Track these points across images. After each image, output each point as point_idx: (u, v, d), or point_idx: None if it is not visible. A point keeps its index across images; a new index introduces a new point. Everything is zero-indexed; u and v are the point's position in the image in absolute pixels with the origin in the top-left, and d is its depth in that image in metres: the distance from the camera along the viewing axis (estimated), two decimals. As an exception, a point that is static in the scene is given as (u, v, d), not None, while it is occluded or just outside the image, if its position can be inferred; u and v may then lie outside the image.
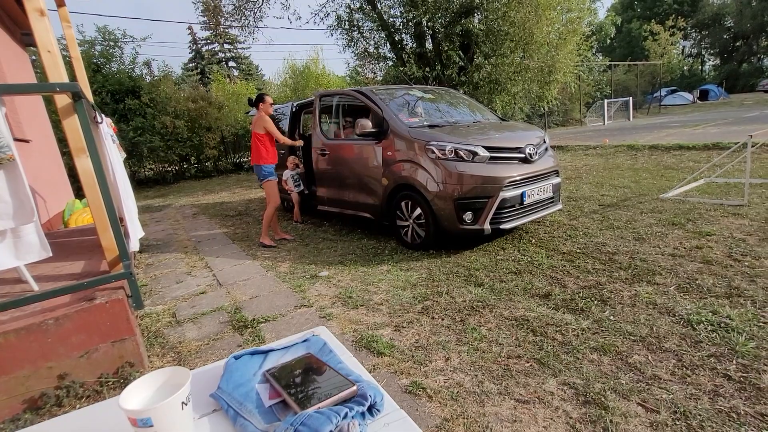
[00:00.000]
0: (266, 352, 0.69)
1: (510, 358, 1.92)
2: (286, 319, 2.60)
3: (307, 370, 0.62)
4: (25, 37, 6.21)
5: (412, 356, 2.00)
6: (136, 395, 0.52)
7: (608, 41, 34.49)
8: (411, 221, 3.69)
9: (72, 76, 3.17)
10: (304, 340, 0.73)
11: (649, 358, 1.84)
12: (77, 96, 1.92)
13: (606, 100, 17.08)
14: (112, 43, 11.92)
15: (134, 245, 2.76)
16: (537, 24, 8.78)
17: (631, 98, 17.84)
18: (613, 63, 20.75)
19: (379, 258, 3.58)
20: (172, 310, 2.91)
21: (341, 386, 0.55)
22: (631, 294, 2.45)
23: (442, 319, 2.36)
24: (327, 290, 2.99)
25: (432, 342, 2.12)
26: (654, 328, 2.06)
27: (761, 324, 2.00)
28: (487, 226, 3.32)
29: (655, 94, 22.81)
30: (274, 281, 3.28)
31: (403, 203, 3.74)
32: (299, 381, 0.59)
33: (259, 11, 11.16)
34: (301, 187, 5.40)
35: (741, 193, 4.15)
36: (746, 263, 2.69)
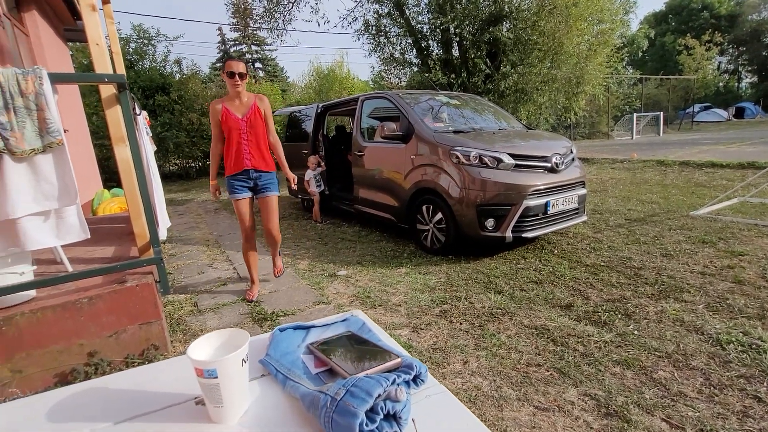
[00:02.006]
0: (308, 328, 0.72)
1: (529, 365, 1.90)
2: (305, 315, 2.63)
3: (350, 344, 0.65)
4: (66, 33, 6.54)
5: (430, 357, 1.99)
6: (202, 350, 0.56)
7: (640, 54, 33.69)
8: (431, 225, 3.68)
9: (113, 69, 3.32)
10: (344, 320, 0.76)
11: (675, 374, 1.78)
12: (122, 87, 2.02)
13: (635, 114, 16.65)
14: (145, 41, 12.40)
15: (163, 234, 2.85)
16: (567, 34, 8.68)
17: (661, 113, 17.35)
18: (644, 76, 20.25)
19: (397, 260, 3.59)
20: (194, 299, 2.99)
21: (386, 357, 0.58)
22: (658, 310, 2.38)
23: (461, 324, 2.35)
24: (345, 289, 3.01)
25: (450, 345, 2.11)
26: (681, 345, 2.00)
27: (797, 348, 1.91)
28: (508, 234, 3.29)
29: (687, 110, 22.12)
30: (293, 278, 3.33)
31: (424, 207, 3.74)
32: (344, 353, 0.62)
33: (289, 14, 11.43)
34: (322, 187, 5.48)
35: (778, 214, 3.98)
36: (782, 285, 2.58)
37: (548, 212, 3.39)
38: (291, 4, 11.25)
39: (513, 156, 3.36)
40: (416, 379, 0.56)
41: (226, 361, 0.51)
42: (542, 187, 3.34)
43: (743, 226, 3.86)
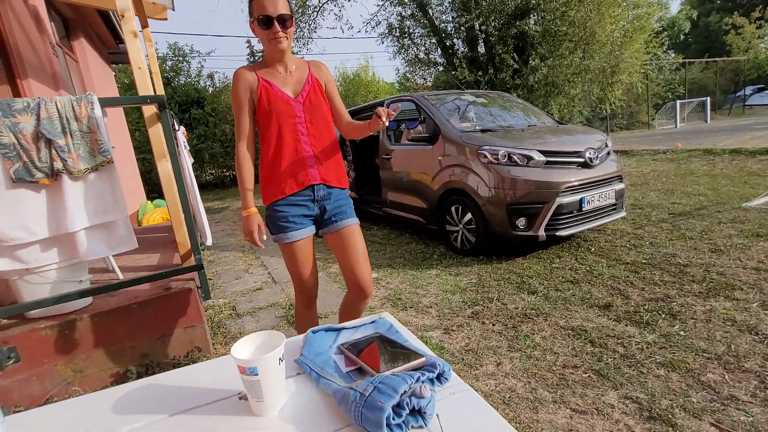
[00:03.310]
0: (339, 330, 0.76)
1: (566, 367, 1.85)
2: (337, 317, 2.68)
3: (378, 344, 0.69)
4: (110, 56, 7.04)
5: (462, 359, 1.99)
6: (243, 350, 0.62)
7: (682, 37, 31.73)
8: (461, 226, 3.66)
9: (153, 89, 3.55)
10: (372, 322, 0.79)
11: (726, 377, 1.68)
12: (162, 106, 2.16)
13: (678, 101, 15.69)
14: (180, 58, 13.09)
15: (209, 240, 2.99)
16: (599, 23, 8.34)
17: (708, 98, 16.23)
18: (687, 60, 19.05)
19: (427, 262, 3.59)
20: (232, 304, 3.13)
21: (411, 357, 0.62)
22: (706, 309, 2.25)
23: (493, 325, 2.32)
24: (376, 291, 3.05)
25: (482, 346, 2.09)
26: (732, 347, 1.88)
27: None
28: (541, 233, 3.21)
29: (738, 93, 20.56)
30: (325, 281, 3.41)
31: (453, 208, 3.72)
32: (372, 353, 0.66)
33: (313, 23, 11.68)
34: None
35: None
36: None
37: (583, 209, 3.27)
38: (315, 13, 11.50)
39: (543, 152, 3.28)
40: (440, 377, 0.59)
41: (265, 360, 0.56)
42: (576, 183, 3.24)
43: (804, 216, 3.56)
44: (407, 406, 0.51)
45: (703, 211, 4.13)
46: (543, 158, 3.26)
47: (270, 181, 1.56)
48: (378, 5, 10.96)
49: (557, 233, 3.21)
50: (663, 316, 2.22)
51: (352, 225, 1.67)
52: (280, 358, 0.58)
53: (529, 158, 3.25)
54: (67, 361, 1.92)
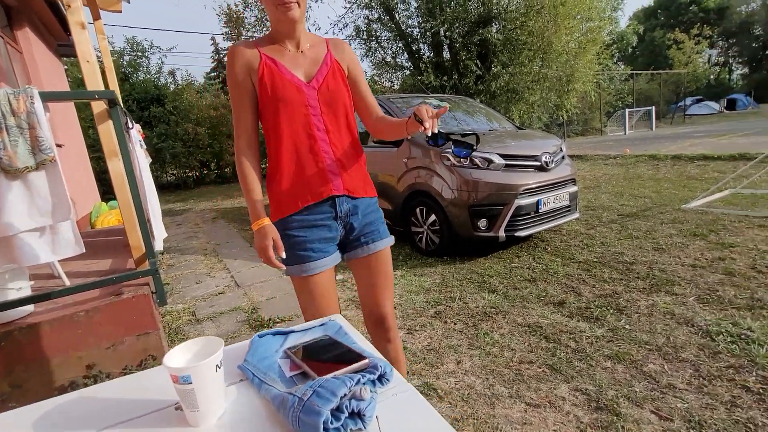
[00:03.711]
0: (287, 333, 0.75)
1: (522, 363, 1.93)
2: (301, 320, 2.65)
3: (324, 347, 0.68)
4: (60, 48, 6.59)
5: (424, 358, 2.02)
6: (178, 358, 0.60)
7: (630, 50, 33.94)
8: (425, 227, 3.72)
9: (105, 84, 3.36)
10: (322, 324, 0.79)
11: (665, 367, 1.82)
12: (113, 103, 2.05)
13: (627, 110, 16.77)
14: (139, 53, 12.50)
15: (159, 245, 2.88)
16: (556, 33, 8.76)
17: (653, 108, 17.47)
18: (635, 72, 20.40)
19: (393, 264, 3.61)
20: (192, 309, 3.02)
21: (355, 359, 0.61)
22: (649, 304, 2.42)
23: (455, 324, 2.38)
24: (341, 293, 3.04)
25: (444, 345, 2.14)
26: (671, 338, 2.03)
27: (784, 337, 1.95)
28: (501, 234, 3.32)
29: (679, 104, 22.27)
30: (290, 283, 3.35)
31: (418, 209, 3.78)
32: (317, 356, 0.65)
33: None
34: None
35: (767, 205, 4.03)
36: (770, 275, 2.62)
37: (540, 210, 3.43)
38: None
39: (503, 156, 3.40)
40: (381, 379, 0.59)
41: (200, 368, 0.54)
42: (533, 185, 3.38)
43: (734, 217, 3.91)
44: (346, 409, 0.51)
45: (648, 212, 4.43)
46: (503, 161, 3.38)
47: (277, 193, 1.19)
48: (345, 7, 10.98)
49: (516, 234, 3.34)
50: (611, 311, 2.37)
51: (386, 248, 1.31)
52: (217, 365, 0.56)
53: (490, 161, 3.36)
54: (3, 375, 1.78)
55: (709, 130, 13.52)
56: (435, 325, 2.38)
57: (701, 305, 2.34)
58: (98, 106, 2.08)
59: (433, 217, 3.62)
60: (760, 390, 1.61)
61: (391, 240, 1.33)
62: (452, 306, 2.62)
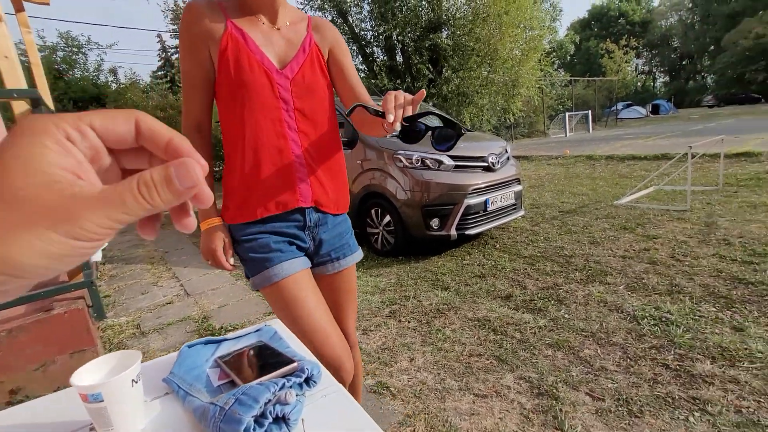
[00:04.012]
0: (219, 342, 0.73)
1: (471, 356, 2.02)
2: (255, 327, 2.59)
3: (255, 354, 0.66)
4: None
5: (378, 358, 2.05)
6: (89, 375, 0.56)
7: (568, 58, 36.37)
8: (381, 228, 3.77)
9: (31, 82, 3.07)
10: (257, 330, 0.78)
11: (598, 351, 1.98)
12: (36, 103, 1.89)
13: (567, 113, 17.99)
14: (75, 49, 11.53)
15: (97, 255, 2.68)
16: (501, 40, 9.22)
17: (590, 112, 18.87)
18: (573, 78, 21.89)
19: (349, 265, 3.63)
20: (136, 321, 2.84)
21: (283, 363, 0.61)
22: (585, 293, 2.62)
23: (409, 322, 2.44)
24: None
25: (398, 344, 2.19)
26: (604, 324, 2.22)
27: (697, 318, 2.19)
28: (453, 232, 3.44)
29: (612, 108, 24.22)
30: (243, 290, 3.26)
31: (373, 210, 3.81)
32: (246, 363, 0.64)
33: None
34: None
35: (685, 200, 4.50)
36: (687, 263, 2.93)
37: (488, 209, 3.59)
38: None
39: (453, 157, 3.53)
40: (309, 381, 0.59)
41: (111, 384, 0.51)
42: (482, 185, 3.54)
43: (657, 211, 4.32)
44: (271, 414, 0.50)
45: (585, 209, 4.79)
46: (452, 162, 3.51)
47: (233, 196, 1.01)
48: (299, 8, 10.80)
49: (467, 232, 3.47)
50: (552, 302, 2.54)
51: (350, 267, 1.16)
52: (133, 380, 0.53)
53: (440, 162, 3.47)
54: None
55: (637, 133, 14.82)
56: (390, 325, 2.42)
57: (629, 293, 2.58)
58: (20, 107, 1.91)
59: (388, 218, 3.67)
60: (677, 367, 1.81)
61: (360, 254, 1.19)
62: (407, 305, 2.68)
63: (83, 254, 0.22)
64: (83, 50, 11.71)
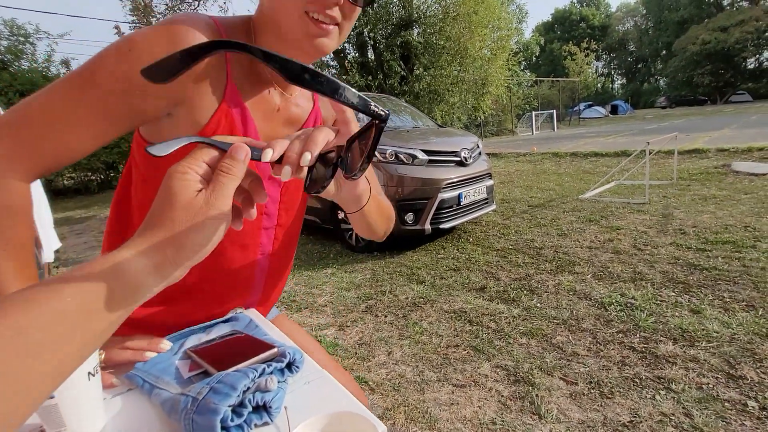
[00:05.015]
0: (187, 335, 0.67)
1: (449, 347, 2.02)
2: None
3: (229, 342, 0.61)
4: None
5: (356, 353, 2.02)
6: None
7: (534, 59, 37.55)
8: (354, 224, 3.72)
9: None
10: (227, 320, 0.71)
11: (570, 337, 2.04)
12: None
13: (534, 113, 18.57)
14: (21, 39, 10.70)
15: (48, 256, 2.49)
16: (470, 39, 9.37)
17: (555, 111, 19.57)
18: (538, 78, 22.65)
19: (324, 262, 3.56)
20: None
21: (262, 349, 0.56)
22: (555, 283, 2.69)
23: (386, 317, 2.42)
24: (343, 290, 2.91)
25: (375, 338, 2.16)
26: (574, 312, 2.28)
27: (658, 302, 2.30)
28: (427, 226, 3.45)
29: (575, 108, 25.25)
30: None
31: (346, 207, 3.76)
32: (221, 351, 0.58)
33: (195, 12, 10.66)
34: None
35: (643, 193, 4.73)
36: (647, 252, 3.07)
37: (461, 203, 3.63)
38: (197, 3, 10.51)
39: (426, 152, 3.54)
40: (290, 366, 0.55)
41: None
42: (455, 179, 3.57)
43: (619, 204, 4.52)
44: (250, 403, 0.46)
45: (553, 203, 4.94)
46: (426, 157, 3.52)
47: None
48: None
49: (441, 226, 3.49)
50: (525, 292, 2.59)
51: None
52: (89, 372, 0.48)
53: (414, 157, 3.47)
54: None
55: (598, 131, 15.51)
56: (366, 320, 2.39)
57: (596, 281, 2.67)
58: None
59: (361, 214, 3.63)
60: (643, 349, 1.89)
61: None
62: (383, 299, 2.66)
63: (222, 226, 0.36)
64: (31, 39, 10.87)
